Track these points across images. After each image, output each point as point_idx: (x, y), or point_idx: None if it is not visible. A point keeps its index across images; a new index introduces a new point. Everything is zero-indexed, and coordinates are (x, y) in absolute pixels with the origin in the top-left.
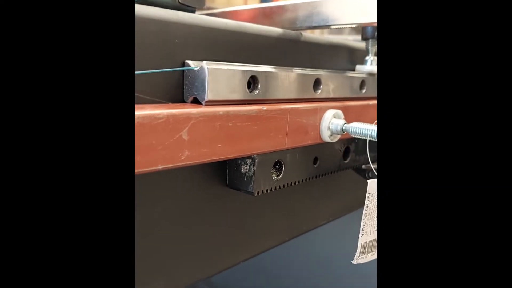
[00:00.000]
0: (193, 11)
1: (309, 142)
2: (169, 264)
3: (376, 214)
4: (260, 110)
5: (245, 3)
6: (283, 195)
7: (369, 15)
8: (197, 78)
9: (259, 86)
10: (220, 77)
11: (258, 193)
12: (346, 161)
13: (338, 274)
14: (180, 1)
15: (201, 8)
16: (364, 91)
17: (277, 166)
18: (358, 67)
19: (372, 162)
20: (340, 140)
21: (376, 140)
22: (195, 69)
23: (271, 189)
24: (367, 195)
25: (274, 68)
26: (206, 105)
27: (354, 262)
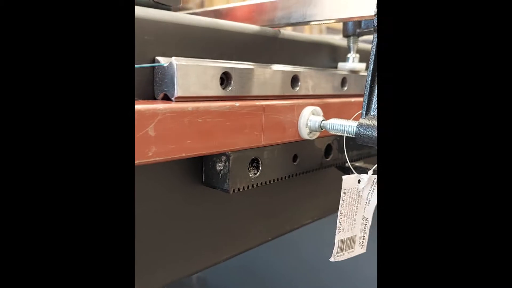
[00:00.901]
0: (168, 10)
1: (287, 139)
2: (146, 264)
3: (354, 211)
4: (233, 106)
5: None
6: (264, 193)
7: (349, 10)
8: (167, 74)
9: (232, 83)
10: (190, 73)
11: (233, 190)
12: (327, 159)
13: (324, 274)
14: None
15: (179, 8)
16: (345, 88)
17: (254, 163)
18: (340, 64)
19: (355, 160)
20: (321, 138)
21: (354, 136)
22: (164, 65)
23: (248, 187)
24: (342, 191)
25: (249, 64)
26: (176, 101)
27: (331, 259)
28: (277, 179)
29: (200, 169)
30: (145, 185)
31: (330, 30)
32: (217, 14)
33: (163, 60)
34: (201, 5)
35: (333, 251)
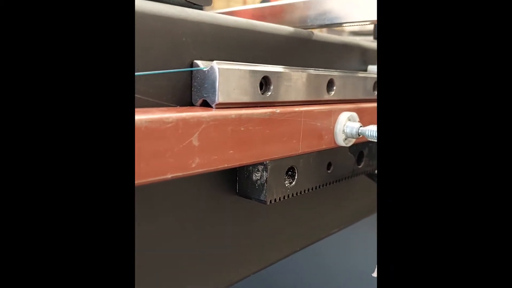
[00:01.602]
0: (200, 9)
1: (323, 146)
2: (178, 275)
3: None
4: (273, 113)
5: (244, 3)
6: (293, 203)
7: None
8: (207, 79)
9: (271, 88)
10: (231, 78)
11: (270, 201)
12: (359, 166)
13: (348, 283)
14: None
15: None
16: (377, 92)
17: (289, 172)
18: (370, 67)
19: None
20: (353, 145)
21: None
22: (205, 69)
23: (284, 197)
24: None
25: (286, 68)
26: (216, 108)
27: (374, 275)
28: (312, 188)
29: (234, 178)
30: (175, 194)
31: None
32: (237, 15)
33: (202, 64)
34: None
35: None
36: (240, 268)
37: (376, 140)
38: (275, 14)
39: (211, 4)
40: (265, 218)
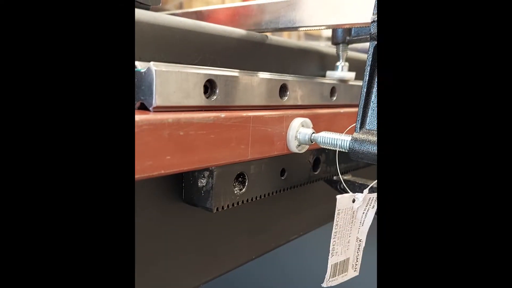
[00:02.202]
0: (147, 9)
1: (275, 152)
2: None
3: (348, 233)
4: (217, 118)
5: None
6: (248, 209)
7: (339, 16)
8: (144, 81)
9: (217, 91)
10: (171, 80)
11: (217, 209)
12: (316, 173)
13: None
14: None
15: (158, 9)
16: (334, 98)
17: (239, 178)
18: (328, 73)
19: (342, 173)
20: (309, 151)
21: (346, 151)
22: (142, 70)
23: (232, 204)
24: (336, 212)
25: (235, 71)
26: (154, 111)
27: (324, 285)
28: (264, 195)
29: (180, 184)
30: None
31: (308, 37)
32: (199, 16)
33: (140, 65)
34: (180, 7)
35: (326, 276)
36: (189, 278)
37: (328, 147)
38: (230, 16)
39: (159, 4)
40: (218, 225)
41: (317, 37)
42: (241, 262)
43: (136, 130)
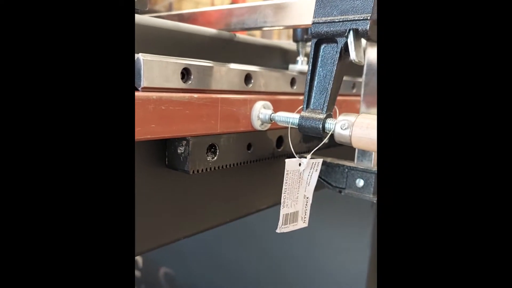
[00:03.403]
0: (136, 13)
1: (241, 129)
2: None
3: (296, 190)
4: (191, 97)
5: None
6: (223, 178)
7: (295, 19)
8: (135, 67)
9: (192, 77)
10: (154, 67)
11: (193, 172)
12: (279, 150)
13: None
14: None
15: (145, 11)
16: (295, 87)
17: (212, 149)
18: (290, 66)
19: (304, 152)
20: (274, 130)
21: (297, 127)
22: None
23: (206, 169)
24: (285, 172)
25: (208, 62)
26: (142, 91)
27: (277, 231)
28: (233, 165)
29: (164, 154)
30: None
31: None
32: (180, 18)
33: None
34: (169, 7)
35: (278, 223)
36: (171, 232)
37: (283, 124)
38: (205, 18)
39: (146, 8)
40: (197, 190)
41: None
42: (216, 223)
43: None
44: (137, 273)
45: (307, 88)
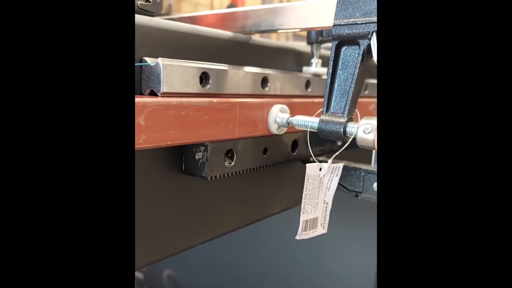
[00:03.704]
0: (151, 16)
1: (258, 133)
2: None
3: (316, 195)
4: (210, 102)
5: (211, 6)
6: (237, 184)
7: (311, 21)
8: (154, 72)
9: (210, 81)
10: (174, 72)
11: (211, 177)
12: (294, 153)
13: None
14: (139, 6)
15: (160, 14)
16: (309, 90)
17: (229, 154)
18: (304, 68)
19: (318, 155)
20: (289, 134)
21: (316, 131)
22: (151, 64)
23: (223, 175)
24: (306, 177)
25: (224, 66)
26: (162, 96)
27: (297, 237)
28: (250, 169)
29: (181, 159)
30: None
31: (297, 37)
32: (193, 20)
33: (150, 60)
34: (169, 9)
35: (298, 230)
36: (187, 238)
37: (301, 128)
38: (220, 21)
39: (161, 11)
40: (212, 196)
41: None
42: (230, 229)
43: (149, 109)
44: (140, 275)
45: (327, 91)
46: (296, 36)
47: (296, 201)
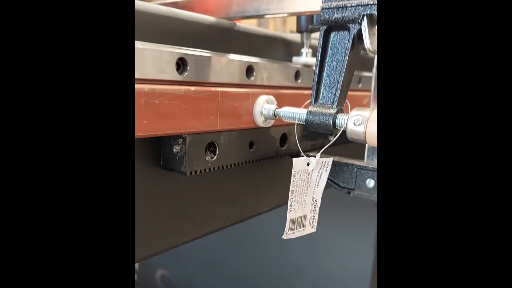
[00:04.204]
0: None
1: (243, 125)
2: None
3: (304, 192)
4: (188, 90)
5: None
6: (223, 180)
7: (299, 5)
8: None
9: (188, 68)
10: (146, 56)
11: (190, 173)
12: (283, 148)
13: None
14: None
15: None
16: (299, 81)
17: (211, 148)
18: (294, 58)
19: (309, 150)
20: (277, 127)
21: (304, 123)
22: None
23: (205, 170)
24: (292, 173)
25: (204, 52)
26: None
27: (284, 237)
28: (234, 164)
29: (158, 153)
30: None
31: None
32: (176, 6)
33: None
34: None
35: (285, 229)
36: (169, 238)
37: (289, 120)
38: (201, 5)
39: None
40: (196, 192)
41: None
42: (217, 227)
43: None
44: None
45: (315, 81)
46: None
47: (287, 199)
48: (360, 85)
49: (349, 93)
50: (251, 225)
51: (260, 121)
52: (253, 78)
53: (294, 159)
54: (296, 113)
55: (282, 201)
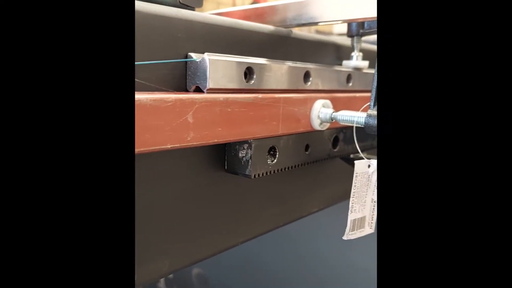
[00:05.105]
0: (192, 10)
1: (301, 129)
2: (172, 244)
3: (364, 194)
4: (255, 98)
5: (234, 5)
6: (277, 182)
7: (352, 12)
8: (199, 68)
9: (254, 77)
10: (219, 67)
11: (254, 176)
12: (335, 150)
13: (324, 271)
14: (180, 0)
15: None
16: (350, 84)
17: (271, 151)
18: (344, 62)
19: (360, 151)
20: (329, 130)
21: (363, 126)
22: (197, 60)
23: (266, 173)
24: (354, 175)
25: (267, 60)
26: (208, 92)
27: (344, 237)
28: (292, 167)
29: (222, 157)
30: (173, 169)
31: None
32: (231, 15)
33: (195, 56)
34: None
35: (346, 230)
36: (229, 238)
37: (346, 124)
38: (259, 15)
39: (201, 6)
40: (252, 195)
41: (328, 34)
42: (270, 228)
43: (197, 106)
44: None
45: (375, 85)
46: (318, 31)
47: (334, 199)
48: (350, 84)
49: (335, 95)
50: (287, 226)
51: (316, 125)
52: (309, 83)
53: (356, 161)
54: (354, 117)
55: (329, 202)
